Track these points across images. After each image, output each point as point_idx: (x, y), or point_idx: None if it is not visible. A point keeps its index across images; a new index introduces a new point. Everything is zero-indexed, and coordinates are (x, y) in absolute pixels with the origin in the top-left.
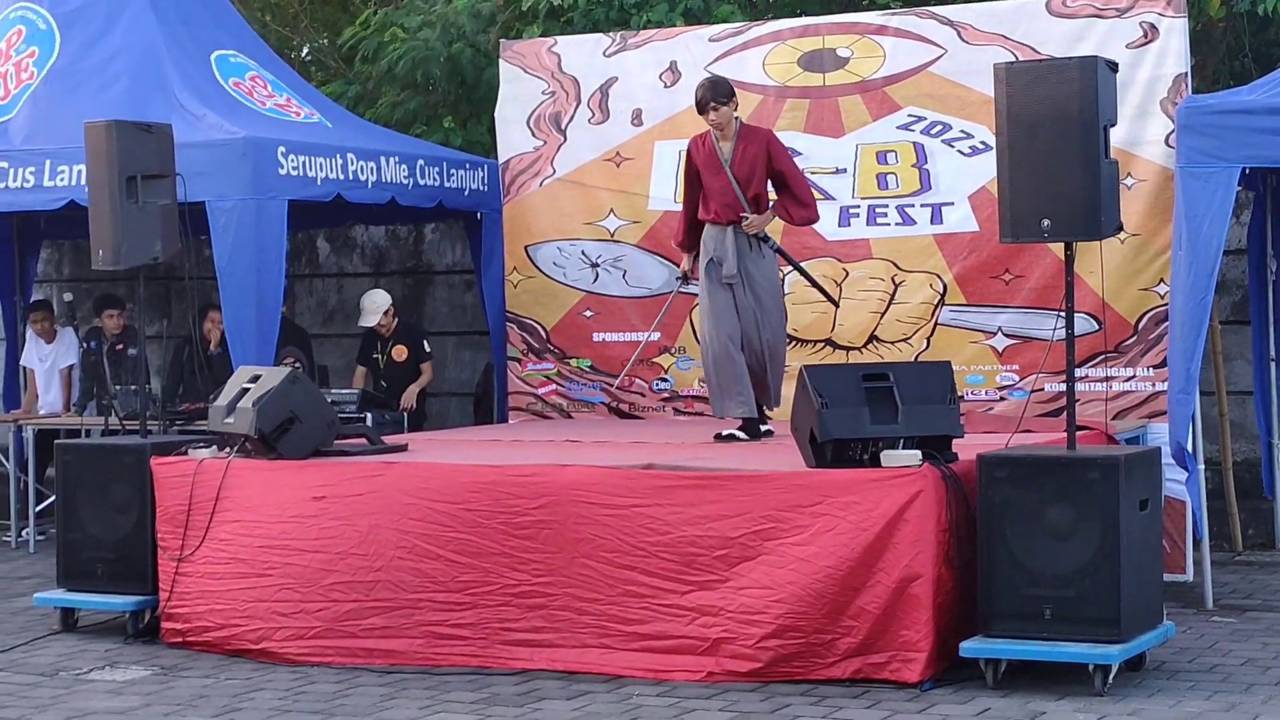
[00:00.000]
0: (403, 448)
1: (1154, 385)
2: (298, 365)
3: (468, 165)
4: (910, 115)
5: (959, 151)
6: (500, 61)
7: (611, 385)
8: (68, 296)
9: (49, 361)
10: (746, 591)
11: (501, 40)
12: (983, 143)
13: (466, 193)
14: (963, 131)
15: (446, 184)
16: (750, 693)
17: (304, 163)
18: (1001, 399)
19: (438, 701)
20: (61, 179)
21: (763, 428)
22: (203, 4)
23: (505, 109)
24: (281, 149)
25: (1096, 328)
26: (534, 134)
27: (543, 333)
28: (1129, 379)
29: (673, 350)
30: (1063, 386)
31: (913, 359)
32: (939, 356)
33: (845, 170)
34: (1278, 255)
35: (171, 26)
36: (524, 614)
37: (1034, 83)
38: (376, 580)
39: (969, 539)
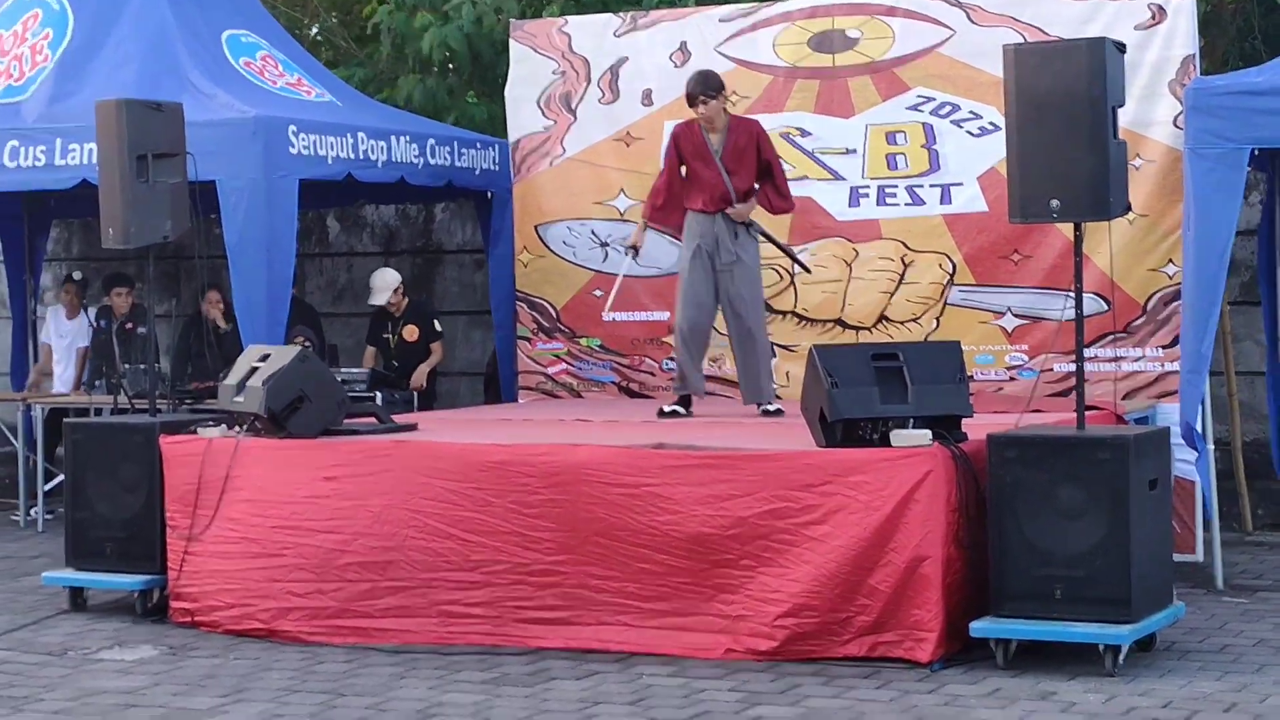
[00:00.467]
0: (412, 427)
1: (1163, 365)
2: (308, 344)
3: (478, 145)
4: (919, 96)
5: (968, 132)
6: (510, 42)
7: (622, 365)
8: (77, 275)
9: (69, 338)
10: (761, 570)
11: (511, 20)
12: (991, 123)
13: (477, 172)
14: (972, 112)
15: (457, 163)
16: (761, 673)
17: (314, 142)
18: (1011, 379)
19: (447, 681)
20: (72, 158)
21: (772, 407)
22: None
23: (516, 89)
24: (292, 128)
25: (1105, 308)
26: (544, 114)
27: (553, 312)
28: (1138, 359)
29: None
30: (1072, 366)
31: (922, 339)
32: (948, 336)
33: (855, 151)
34: None
35: (183, 6)
36: (537, 592)
37: (1043, 64)
38: (391, 560)
39: (979, 519)
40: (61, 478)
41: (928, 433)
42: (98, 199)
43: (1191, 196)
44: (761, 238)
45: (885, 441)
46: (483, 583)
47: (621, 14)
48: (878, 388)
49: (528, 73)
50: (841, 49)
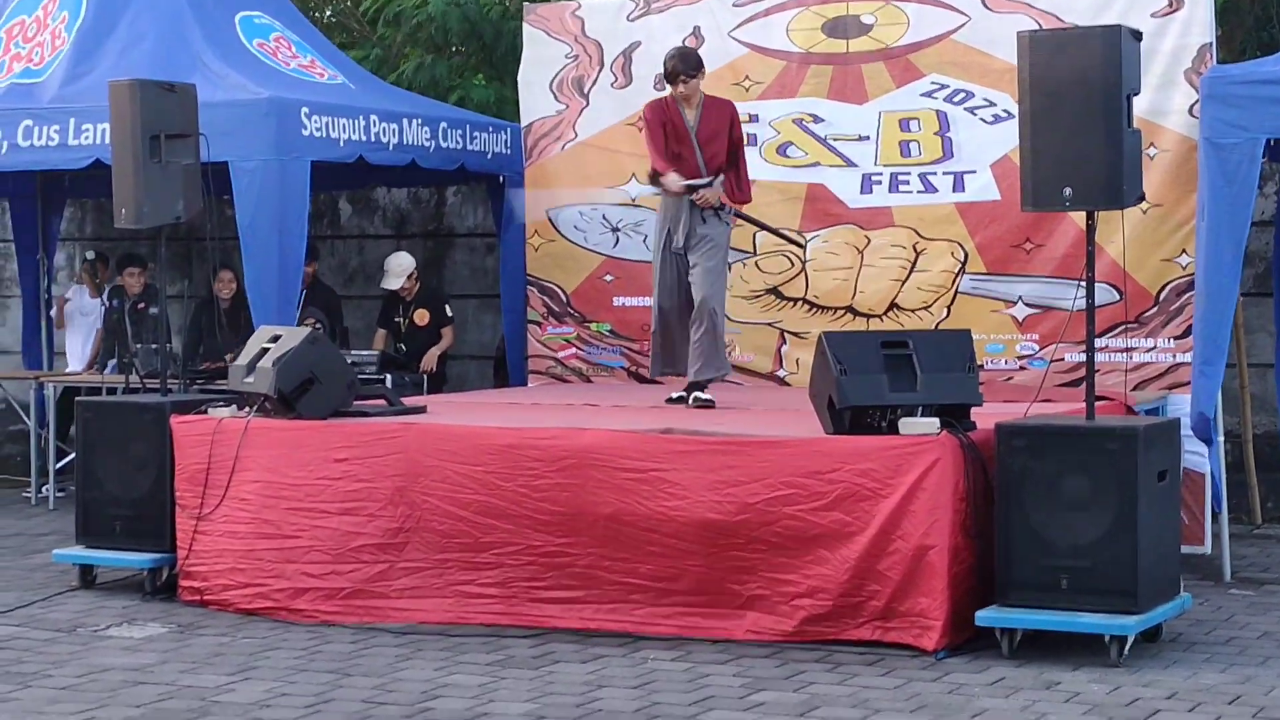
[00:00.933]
0: (422, 409)
1: (1175, 356)
2: (318, 326)
3: (490, 128)
4: (933, 83)
5: (981, 120)
6: (524, 25)
7: (632, 350)
8: (89, 255)
9: (91, 316)
10: (771, 555)
11: (525, 3)
12: (1005, 111)
13: (489, 155)
14: (985, 99)
15: (469, 147)
16: (765, 658)
17: (327, 124)
18: (1021, 368)
19: (453, 662)
20: (86, 137)
21: (703, 396)
22: None
23: (528, 72)
24: (304, 110)
25: (1117, 298)
26: (557, 98)
27: (563, 296)
28: (1149, 350)
29: None
30: (1083, 356)
31: (933, 327)
32: (959, 325)
33: (868, 137)
34: None
35: None
36: (548, 573)
37: (1057, 51)
38: (403, 541)
39: (986, 508)
40: (73, 456)
41: (936, 421)
42: (111, 179)
43: (1206, 186)
44: (738, 220)
45: (894, 429)
46: (494, 563)
47: None
48: (887, 375)
49: (540, 56)
50: (856, 35)
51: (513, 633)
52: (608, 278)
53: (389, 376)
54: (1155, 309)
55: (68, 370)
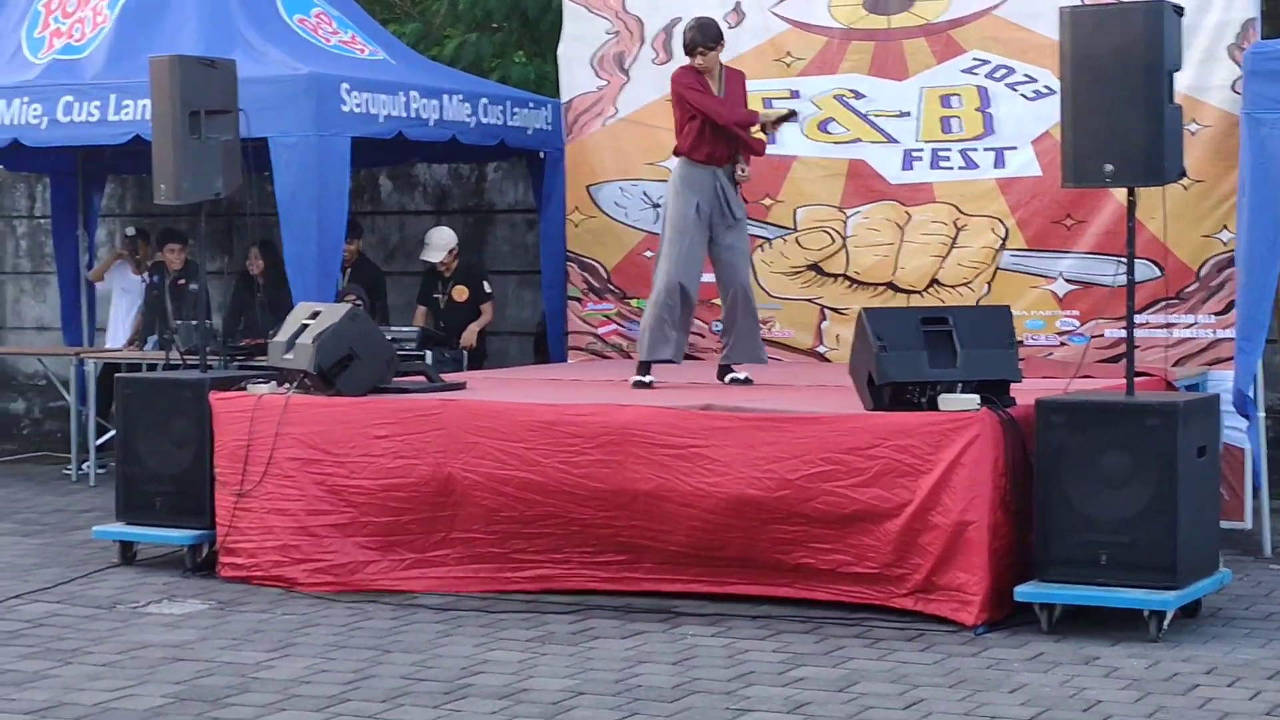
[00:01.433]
0: (461, 386)
1: (1215, 332)
2: (358, 302)
3: (531, 104)
4: (974, 59)
5: (1023, 96)
6: (565, 1)
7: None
8: (130, 231)
9: (132, 293)
10: (812, 528)
11: None
12: (1046, 87)
13: (529, 132)
14: (1026, 75)
15: (509, 123)
16: (805, 634)
17: (367, 100)
18: (1061, 344)
19: (493, 639)
20: (126, 113)
21: (741, 375)
22: None
23: (569, 48)
24: (345, 86)
25: (1158, 274)
26: (597, 74)
27: (603, 272)
28: (1190, 326)
29: None
30: (1123, 332)
31: (973, 303)
32: (1000, 301)
33: (909, 113)
34: None
35: None
36: (591, 543)
37: (1099, 27)
38: (453, 514)
39: (1026, 484)
40: (113, 432)
41: (976, 397)
42: (151, 155)
43: (1248, 162)
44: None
45: (933, 405)
46: (537, 534)
47: None
48: (926, 351)
49: (581, 32)
50: (897, 11)
51: (552, 609)
52: (648, 254)
53: (429, 353)
54: (1196, 285)
55: (108, 346)
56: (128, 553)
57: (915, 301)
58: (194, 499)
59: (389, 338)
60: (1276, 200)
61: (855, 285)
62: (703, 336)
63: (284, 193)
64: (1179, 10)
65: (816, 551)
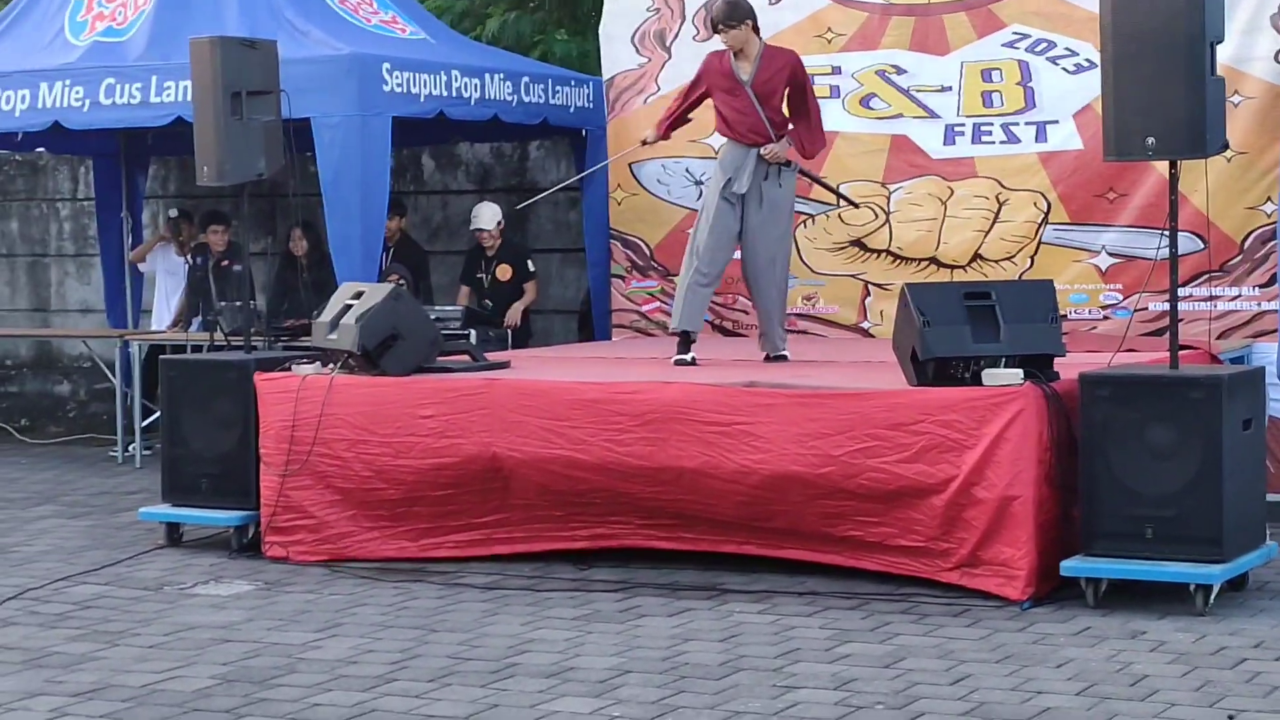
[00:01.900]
0: (505, 365)
1: (1259, 305)
2: (402, 282)
3: (572, 82)
4: (1015, 33)
5: (1064, 69)
6: None
7: (715, 303)
8: (173, 213)
9: (176, 275)
10: (858, 503)
11: None
12: (1088, 60)
13: (571, 110)
14: (1067, 49)
15: (551, 101)
16: (850, 610)
17: (408, 80)
18: (1105, 318)
19: (539, 617)
20: (168, 95)
21: (775, 354)
22: None
23: (610, 26)
24: (386, 65)
25: (1201, 246)
26: (639, 51)
27: (646, 250)
28: (1234, 298)
29: None
30: (1166, 306)
31: (1016, 277)
32: (1042, 275)
33: (950, 88)
34: None
35: None
36: (637, 514)
37: None
38: (491, 488)
39: (1070, 458)
40: (158, 414)
41: (1019, 372)
42: (193, 136)
43: None
44: (801, 176)
45: (977, 380)
46: (580, 511)
47: None
48: (970, 326)
49: (622, 9)
50: None
51: (598, 587)
52: (691, 231)
53: (473, 332)
54: (1240, 257)
55: (153, 329)
56: (174, 534)
57: (958, 276)
58: (239, 480)
59: (433, 317)
60: None
61: (898, 260)
62: (746, 314)
63: (326, 173)
64: None
65: (863, 524)
